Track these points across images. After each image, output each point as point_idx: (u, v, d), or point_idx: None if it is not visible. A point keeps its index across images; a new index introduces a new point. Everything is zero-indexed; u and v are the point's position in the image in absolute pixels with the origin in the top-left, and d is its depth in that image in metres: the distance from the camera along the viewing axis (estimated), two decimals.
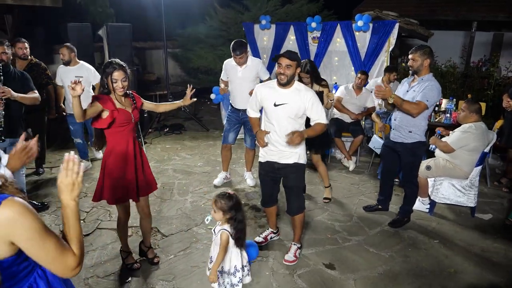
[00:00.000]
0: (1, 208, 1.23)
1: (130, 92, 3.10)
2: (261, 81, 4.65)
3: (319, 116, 3.15)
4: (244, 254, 2.80)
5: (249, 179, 5.13)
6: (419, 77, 3.66)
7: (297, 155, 3.24)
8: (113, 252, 3.53)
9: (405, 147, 3.80)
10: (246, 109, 4.49)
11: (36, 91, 3.99)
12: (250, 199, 4.70)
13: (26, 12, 6.62)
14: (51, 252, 1.31)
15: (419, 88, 3.60)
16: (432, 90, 3.53)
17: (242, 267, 2.76)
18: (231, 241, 2.66)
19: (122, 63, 2.89)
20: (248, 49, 8.06)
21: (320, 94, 4.25)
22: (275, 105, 3.12)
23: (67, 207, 1.43)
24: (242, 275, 2.76)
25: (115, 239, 3.73)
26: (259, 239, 3.68)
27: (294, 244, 3.52)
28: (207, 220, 2.96)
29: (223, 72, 4.88)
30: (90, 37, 7.07)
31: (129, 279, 3.15)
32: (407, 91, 3.74)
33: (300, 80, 4.17)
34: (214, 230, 2.74)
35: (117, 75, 2.83)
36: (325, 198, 4.64)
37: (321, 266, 3.37)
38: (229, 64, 4.71)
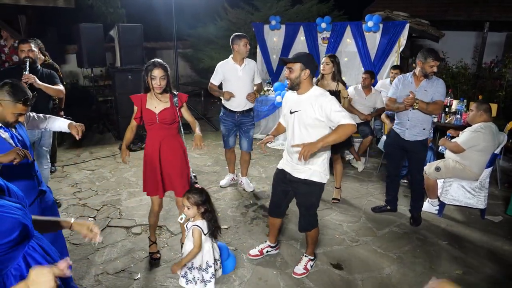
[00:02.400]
0: None
1: (176, 93, 3.19)
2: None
3: (337, 119, 2.72)
4: (217, 248, 2.82)
5: (246, 185, 4.92)
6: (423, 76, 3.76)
7: (311, 171, 2.94)
8: (123, 249, 3.58)
9: (420, 143, 3.91)
10: (242, 111, 4.53)
11: (61, 85, 4.22)
12: (259, 198, 4.71)
13: (39, 13, 6.72)
14: None
15: (432, 89, 3.72)
16: (444, 86, 3.76)
17: (215, 261, 2.77)
18: (203, 237, 2.69)
19: (162, 62, 3.06)
20: (258, 51, 8.24)
21: (337, 93, 4.24)
22: (290, 112, 2.95)
23: None
24: (215, 269, 2.77)
25: (125, 237, 3.78)
26: (254, 251, 3.49)
27: (306, 256, 3.32)
28: (180, 219, 2.90)
29: (215, 75, 4.54)
30: (102, 37, 7.16)
31: (138, 276, 3.19)
32: (416, 90, 3.76)
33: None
34: (186, 226, 2.78)
35: (157, 72, 2.99)
36: (334, 199, 4.64)
37: (328, 266, 3.37)
38: (227, 64, 4.47)
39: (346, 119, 2.70)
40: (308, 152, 2.61)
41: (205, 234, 2.68)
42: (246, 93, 4.46)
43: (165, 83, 3.04)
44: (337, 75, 4.32)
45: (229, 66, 4.49)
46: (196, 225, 2.67)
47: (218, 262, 2.82)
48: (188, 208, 2.68)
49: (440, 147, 4.45)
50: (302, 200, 3.10)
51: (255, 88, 4.67)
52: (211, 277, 2.73)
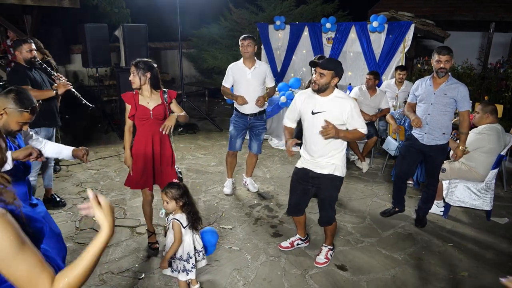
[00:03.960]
0: None
1: (166, 90, 3.33)
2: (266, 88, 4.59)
3: (358, 126, 3.02)
4: (198, 239, 2.86)
5: (251, 185, 4.90)
6: (442, 78, 3.67)
7: (333, 166, 3.10)
8: (127, 249, 3.58)
9: (439, 148, 3.85)
10: (254, 113, 4.50)
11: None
12: (263, 199, 4.71)
13: (45, 13, 6.74)
14: (19, 275, 1.17)
15: (452, 94, 3.65)
16: (466, 93, 3.65)
17: (197, 252, 2.83)
18: (183, 230, 2.73)
19: (141, 61, 3.15)
20: (263, 51, 8.23)
21: None
22: (312, 113, 3.02)
23: (106, 233, 1.37)
24: (196, 260, 2.83)
25: (130, 237, 3.79)
26: (285, 243, 3.61)
27: (325, 246, 3.46)
28: (161, 214, 2.97)
29: (226, 77, 4.52)
30: (107, 37, 7.19)
31: (142, 275, 3.20)
32: (434, 93, 3.71)
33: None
34: (167, 219, 2.83)
35: (131, 70, 3.15)
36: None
37: (333, 267, 3.36)
38: (236, 66, 4.44)
39: (364, 128, 3.05)
40: (332, 133, 2.84)
41: (184, 227, 2.74)
42: (256, 96, 4.37)
43: (137, 80, 3.14)
44: None
45: (238, 69, 4.44)
46: (175, 219, 2.73)
47: (201, 253, 2.88)
48: (167, 203, 2.75)
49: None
50: (326, 195, 3.21)
51: (267, 91, 4.60)
52: (192, 267, 2.79)
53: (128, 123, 3.32)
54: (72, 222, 4.05)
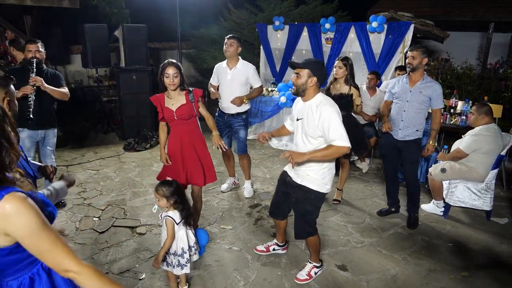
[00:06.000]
0: (5, 201, 1.24)
1: (191, 89, 3.35)
2: (250, 88, 4.58)
3: (331, 138, 2.64)
4: (191, 235, 2.91)
5: (246, 191, 4.80)
6: (416, 76, 3.78)
7: (308, 177, 2.87)
8: (128, 249, 3.58)
9: (412, 143, 3.91)
10: (232, 113, 4.50)
11: (66, 88, 4.21)
12: (263, 199, 4.71)
13: (44, 13, 6.74)
14: (45, 249, 1.30)
15: (427, 92, 3.74)
16: (441, 93, 3.78)
17: (190, 248, 2.88)
18: (176, 226, 2.78)
19: (175, 61, 3.21)
20: (262, 51, 8.23)
21: (348, 97, 4.24)
22: (297, 119, 2.92)
23: None
24: (190, 255, 2.88)
25: (130, 237, 3.79)
26: (260, 247, 3.53)
27: (310, 263, 3.23)
28: (154, 209, 2.98)
29: (213, 76, 4.63)
30: (106, 37, 7.19)
31: (143, 276, 3.19)
32: (410, 91, 3.80)
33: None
34: (161, 216, 2.86)
35: (170, 71, 3.17)
36: (335, 200, 4.64)
37: (333, 267, 3.37)
38: (220, 66, 4.51)
39: (343, 140, 2.62)
40: (294, 159, 2.66)
41: (177, 224, 2.78)
42: (236, 96, 4.36)
43: (178, 80, 3.21)
44: (349, 79, 4.28)
45: (221, 68, 4.50)
46: (168, 216, 2.77)
47: (193, 249, 2.93)
48: (159, 200, 2.78)
49: (438, 161, 4.44)
50: (297, 205, 3.03)
51: (254, 91, 4.56)
52: (186, 262, 2.83)
53: (160, 124, 3.50)
54: (72, 222, 4.05)
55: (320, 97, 2.79)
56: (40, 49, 4.04)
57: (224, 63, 4.49)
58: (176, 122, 3.31)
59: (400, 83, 3.93)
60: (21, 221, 1.26)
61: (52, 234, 1.32)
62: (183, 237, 2.83)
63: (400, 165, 4.29)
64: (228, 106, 4.46)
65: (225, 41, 4.33)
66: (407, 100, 3.83)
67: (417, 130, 3.88)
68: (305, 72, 2.72)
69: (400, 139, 3.94)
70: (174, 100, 3.29)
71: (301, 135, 2.86)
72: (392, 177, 4.29)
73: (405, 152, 3.98)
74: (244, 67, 4.42)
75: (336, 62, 4.29)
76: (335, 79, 4.34)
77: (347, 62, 4.25)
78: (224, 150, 3.56)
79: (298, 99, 2.99)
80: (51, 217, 1.49)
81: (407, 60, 3.78)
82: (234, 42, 4.29)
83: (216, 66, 4.60)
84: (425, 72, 3.82)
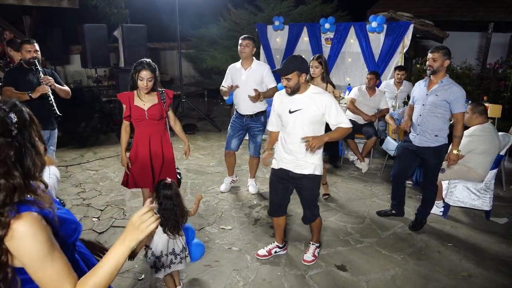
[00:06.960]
0: (18, 221, 1.16)
1: (163, 90, 3.31)
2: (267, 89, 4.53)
3: (339, 121, 2.97)
4: (178, 243, 2.80)
5: (251, 186, 4.88)
6: (436, 79, 3.61)
7: (313, 165, 3.08)
8: None
9: (432, 150, 3.73)
10: (250, 115, 4.51)
11: (66, 86, 4.25)
12: (262, 199, 4.71)
13: (44, 13, 6.74)
14: (45, 279, 1.22)
15: (444, 95, 3.55)
16: (460, 94, 3.52)
17: (175, 255, 2.77)
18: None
19: (151, 63, 3.12)
20: (262, 51, 8.23)
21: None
22: (290, 112, 3.02)
23: (119, 248, 1.32)
24: (171, 261, 2.77)
25: None
26: (262, 252, 3.50)
27: (313, 244, 3.48)
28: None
29: (225, 77, 4.62)
30: (106, 38, 7.18)
31: (142, 276, 3.19)
32: (427, 94, 3.67)
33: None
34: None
35: (144, 74, 3.08)
36: (325, 195, 4.69)
37: (333, 268, 3.36)
38: (234, 67, 4.52)
39: (347, 123, 3.01)
40: (317, 144, 2.82)
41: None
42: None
43: (151, 84, 3.16)
44: (326, 77, 4.30)
45: (235, 69, 4.49)
46: None
47: (178, 257, 2.81)
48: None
49: None
50: (307, 194, 3.21)
51: (269, 90, 4.51)
52: (161, 266, 2.75)
53: (124, 123, 3.34)
54: None
55: (316, 87, 3.09)
56: (37, 48, 4.05)
57: (238, 63, 4.48)
58: (146, 123, 3.23)
59: (420, 87, 3.81)
60: (29, 248, 1.18)
61: (58, 265, 1.22)
62: (162, 241, 2.73)
63: (412, 169, 4.22)
64: (246, 108, 4.45)
65: (240, 42, 4.32)
66: (423, 103, 3.69)
67: (436, 136, 3.68)
68: (294, 74, 2.90)
69: (419, 145, 3.78)
70: (145, 100, 3.22)
71: (301, 125, 3.00)
72: (398, 180, 4.17)
73: (423, 158, 3.84)
74: (259, 67, 4.43)
75: (311, 62, 4.22)
76: (312, 78, 4.31)
77: (322, 60, 4.28)
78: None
79: (279, 95, 3.20)
80: (70, 235, 1.38)
81: (427, 63, 3.60)
82: (250, 43, 4.31)
83: (229, 67, 4.59)
84: (446, 74, 3.62)
